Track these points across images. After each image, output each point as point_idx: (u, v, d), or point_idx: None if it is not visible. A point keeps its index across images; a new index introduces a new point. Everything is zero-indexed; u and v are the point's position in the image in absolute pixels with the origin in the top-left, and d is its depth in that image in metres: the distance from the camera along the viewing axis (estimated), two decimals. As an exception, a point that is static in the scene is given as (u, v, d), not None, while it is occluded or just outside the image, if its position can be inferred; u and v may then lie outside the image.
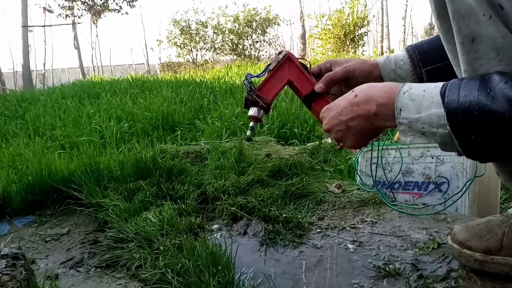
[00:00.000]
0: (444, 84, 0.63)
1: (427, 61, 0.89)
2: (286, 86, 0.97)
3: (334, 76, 0.92)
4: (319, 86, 0.92)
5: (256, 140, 2.19)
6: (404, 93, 0.67)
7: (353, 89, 0.77)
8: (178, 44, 15.26)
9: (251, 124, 0.97)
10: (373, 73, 0.93)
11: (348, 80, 0.93)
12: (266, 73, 0.96)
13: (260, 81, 0.98)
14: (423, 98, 0.64)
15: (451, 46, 0.69)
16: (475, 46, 0.62)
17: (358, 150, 1.43)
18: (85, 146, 2.46)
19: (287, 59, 0.94)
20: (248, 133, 0.97)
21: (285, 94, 4.19)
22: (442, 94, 0.62)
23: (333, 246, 1.11)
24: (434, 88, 0.64)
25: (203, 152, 1.91)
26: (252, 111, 0.94)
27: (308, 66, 0.96)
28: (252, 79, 0.95)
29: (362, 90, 0.75)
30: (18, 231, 1.45)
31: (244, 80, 0.95)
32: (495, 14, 0.59)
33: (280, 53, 0.95)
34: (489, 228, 0.84)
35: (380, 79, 0.93)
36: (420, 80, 0.90)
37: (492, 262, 0.81)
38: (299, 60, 0.95)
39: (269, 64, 0.95)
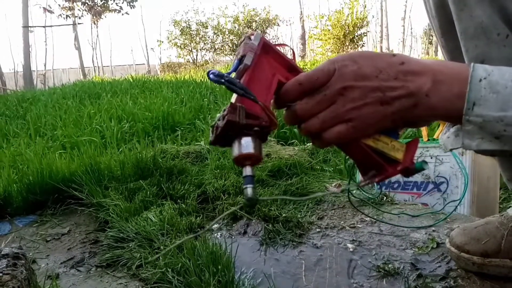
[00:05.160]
0: None
1: None
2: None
3: None
4: None
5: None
6: (481, 80, 0.47)
7: (391, 53, 0.52)
8: (179, 44, 15.31)
9: (247, 171, 0.50)
10: None
11: None
12: (240, 69, 0.49)
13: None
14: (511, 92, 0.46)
15: None
16: None
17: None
18: (86, 146, 2.46)
19: (263, 47, 0.52)
20: (249, 190, 0.50)
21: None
22: None
23: (332, 245, 1.11)
24: None
25: (203, 152, 1.91)
26: (245, 146, 0.48)
27: (292, 55, 0.58)
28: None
29: (411, 58, 0.50)
30: (19, 230, 1.46)
31: (210, 75, 0.47)
32: None
33: (249, 36, 0.53)
34: (487, 230, 0.83)
35: None
36: None
37: (490, 264, 0.81)
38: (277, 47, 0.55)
39: (242, 57, 0.50)
